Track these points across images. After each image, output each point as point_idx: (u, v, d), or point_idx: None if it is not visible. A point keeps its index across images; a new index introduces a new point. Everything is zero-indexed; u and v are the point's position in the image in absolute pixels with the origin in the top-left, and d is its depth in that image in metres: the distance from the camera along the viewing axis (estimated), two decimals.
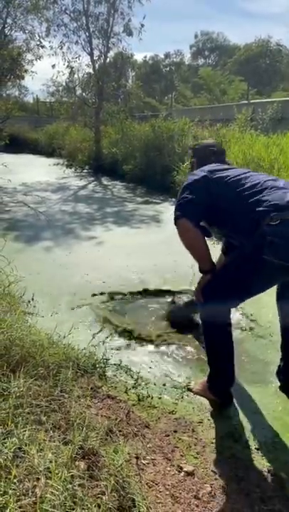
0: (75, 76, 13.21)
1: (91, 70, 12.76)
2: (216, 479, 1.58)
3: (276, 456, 1.72)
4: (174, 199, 7.59)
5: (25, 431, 1.34)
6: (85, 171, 12.00)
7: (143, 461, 1.59)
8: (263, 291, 1.89)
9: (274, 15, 65.08)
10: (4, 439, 1.28)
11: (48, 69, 15.01)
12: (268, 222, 1.65)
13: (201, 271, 2.03)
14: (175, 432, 1.82)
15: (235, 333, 2.47)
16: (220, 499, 1.49)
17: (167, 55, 40.40)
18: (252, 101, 12.62)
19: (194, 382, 2.20)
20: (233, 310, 2.05)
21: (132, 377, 2.22)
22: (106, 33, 12.08)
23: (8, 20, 11.54)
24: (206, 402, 2.05)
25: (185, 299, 3.04)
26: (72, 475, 1.22)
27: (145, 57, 37.42)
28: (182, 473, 1.58)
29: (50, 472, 1.19)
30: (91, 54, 12.29)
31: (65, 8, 12.06)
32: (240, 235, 1.89)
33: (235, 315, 2.95)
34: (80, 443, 1.38)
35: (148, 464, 1.60)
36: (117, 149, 10.68)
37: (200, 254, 1.97)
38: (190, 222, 1.88)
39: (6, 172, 7.52)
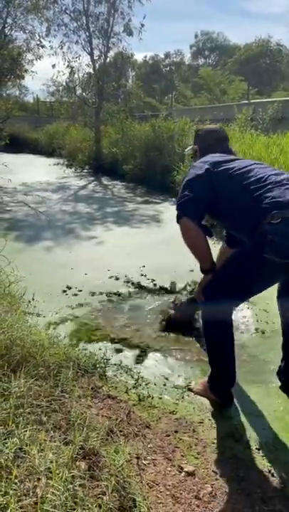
0: (75, 76, 13.23)
1: (91, 70, 12.79)
2: (216, 479, 1.58)
3: (277, 456, 1.72)
4: (174, 199, 7.58)
5: (26, 431, 1.34)
6: (85, 170, 12.00)
7: (144, 462, 1.59)
8: (264, 289, 1.89)
9: (274, 15, 65.07)
10: (5, 439, 1.28)
11: (48, 69, 15.00)
12: (269, 220, 1.63)
13: (202, 270, 2.02)
14: (176, 432, 1.82)
15: (236, 333, 2.47)
16: (221, 499, 1.49)
17: (167, 55, 40.43)
18: (252, 101, 12.62)
19: (195, 382, 2.20)
20: (234, 310, 2.05)
21: (133, 377, 2.22)
22: (106, 32, 12.09)
23: (9, 20, 11.56)
24: (206, 402, 2.05)
25: (186, 299, 3.04)
26: (73, 475, 1.22)
27: (145, 57, 37.47)
28: (183, 474, 1.58)
29: (50, 472, 1.19)
30: (91, 54, 12.32)
31: (65, 7, 12.09)
32: (241, 231, 1.89)
33: (237, 315, 2.94)
34: (81, 443, 1.38)
35: (149, 464, 1.60)
36: (117, 149, 10.68)
37: (201, 253, 1.96)
38: (192, 221, 1.87)
39: (6, 172, 7.51)
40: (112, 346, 2.55)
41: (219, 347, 1.98)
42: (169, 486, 1.51)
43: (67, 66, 12.78)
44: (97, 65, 12.49)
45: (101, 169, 11.27)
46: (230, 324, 1.95)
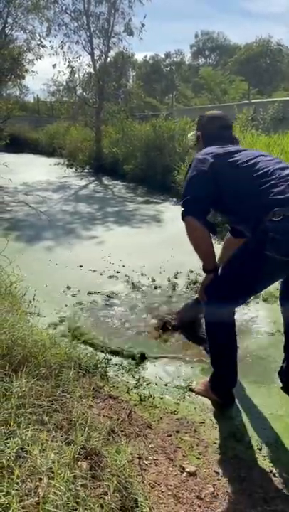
0: (76, 76, 13.22)
1: (92, 70, 12.78)
2: (218, 479, 1.58)
3: (279, 456, 1.72)
4: (174, 199, 7.59)
5: (27, 431, 1.33)
6: (86, 170, 12.00)
7: (145, 462, 1.59)
8: (266, 287, 1.88)
9: (274, 14, 65.06)
10: (7, 439, 1.28)
11: (49, 69, 15.01)
12: (270, 217, 1.62)
13: (204, 270, 2.01)
14: (177, 432, 1.82)
15: (239, 333, 2.47)
16: (222, 499, 1.49)
17: (168, 55, 40.43)
18: (253, 101, 12.61)
19: (196, 382, 2.20)
20: (236, 310, 2.04)
21: (134, 377, 2.22)
22: (107, 32, 12.08)
23: (9, 20, 11.58)
24: (208, 402, 2.04)
25: (190, 300, 3.01)
26: (74, 475, 1.21)
27: (146, 56, 37.46)
28: (184, 474, 1.58)
29: (52, 472, 1.19)
30: (92, 54, 12.31)
31: (65, 7, 12.08)
32: (244, 226, 1.89)
33: (239, 315, 2.94)
34: (83, 443, 1.38)
35: (150, 464, 1.59)
36: (117, 149, 10.67)
37: (205, 253, 1.95)
38: (197, 220, 1.86)
39: (6, 172, 7.50)
40: (113, 346, 2.55)
41: (221, 347, 1.97)
42: (171, 486, 1.51)
43: (68, 66, 12.79)
44: (97, 65, 12.49)
45: (102, 169, 11.26)
46: (232, 324, 1.94)
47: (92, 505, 1.15)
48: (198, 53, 42.32)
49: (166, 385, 2.18)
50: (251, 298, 3.06)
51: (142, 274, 3.78)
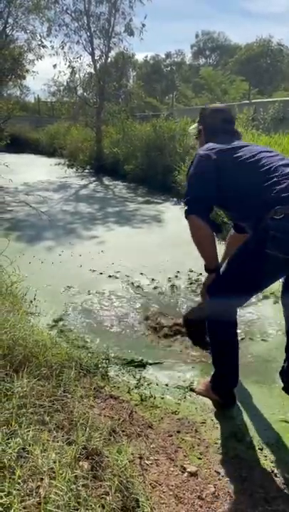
0: (76, 76, 13.24)
1: (92, 70, 12.80)
2: (219, 480, 1.58)
3: (280, 456, 1.71)
4: (175, 199, 7.59)
5: (28, 431, 1.34)
6: (87, 170, 12.00)
7: (146, 462, 1.59)
8: (268, 286, 1.88)
9: (274, 14, 65.08)
10: (8, 439, 1.28)
11: (49, 69, 15.04)
12: (271, 215, 1.62)
13: (206, 269, 2.00)
14: (178, 432, 1.82)
15: (240, 333, 2.47)
16: (223, 500, 1.48)
17: (168, 55, 40.42)
18: (253, 101, 12.62)
19: (197, 382, 2.20)
20: (238, 310, 2.04)
21: (135, 377, 2.22)
22: (107, 32, 12.09)
23: (10, 20, 11.58)
24: (208, 402, 2.04)
25: (194, 304, 2.98)
26: (76, 475, 1.21)
27: (146, 57, 37.45)
28: (186, 474, 1.58)
29: (54, 472, 1.19)
30: (92, 54, 12.31)
31: (66, 7, 12.09)
32: (246, 223, 1.88)
33: (240, 315, 2.94)
34: (84, 443, 1.38)
35: (151, 464, 1.59)
36: (118, 149, 10.68)
37: (207, 252, 1.94)
38: (200, 219, 1.85)
39: (7, 172, 7.52)
40: (114, 346, 2.55)
41: (223, 346, 1.97)
42: (172, 486, 1.51)
43: (69, 66, 12.81)
44: (98, 65, 12.50)
45: (102, 169, 11.27)
46: (234, 323, 1.94)
47: (93, 506, 1.15)
48: (199, 53, 42.34)
49: (167, 385, 2.18)
50: (253, 297, 3.05)
51: (143, 274, 3.78)
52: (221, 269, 1.94)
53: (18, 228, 5.51)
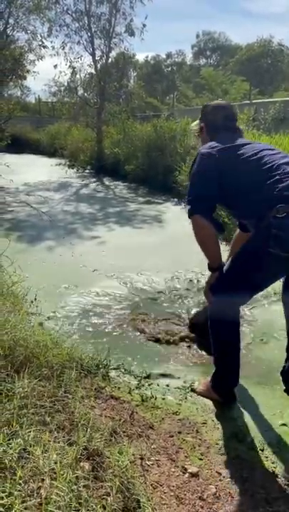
0: (77, 76, 13.26)
1: (93, 70, 12.81)
2: (220, 480, 1.58)
3: (281, 457, 1.71)
4: (176, 199, 7.59)
5: (29, 432, 1.33)
6: (87, 171, 12.01)
7: (147, 462, 1.58)
8: (270, 284, 1.88)
9: (275, 15, 65.14)
10: (9, 439, 1.28)
11: (50, 69, 15.08)
12: (274, 214, 1.61)
13: (209, 268, 2.00)
14: (179, 432, 1.82)
15: (242, 334, 2.46)
16: (225, 500, 1.48)
17: (169, 55, 40.42)
18: (254, 101, 12.62)
19: (198, 382, 2.20)
20: (241, 309, 2.03)
21: (136, 378, 2.22)
22: (108, 33, 12.11)
23: (11, 21, 11.60)
24: (209, 402, 2.04)
25: (199, 307, 2.96)
26: (77, 476, 1.21)
27: (147, 57, 37.46)
28: (187, 475, 1.58)
29: (55, 473, 1.19)
30: (93, 54, 12.33)
31: (67, 8, 12.12)
32: (248, 220, 1.88)
33: (244, 315, 2.94)
34: (85, 444, 1.38)
35: (152, 465, 1.59)
36: (119, 149, 10.68)
37: (211, 251, 1.94)
38: (204, 218, 1.84)
39: (8, 172, 7.53)
40: (115, 347, 2.54)
41: (225, 345, 1.96)
42: (173, 486, 1.51)
43: (69, 66, 12.84)
44: (98, 66, 12.52)
45: (103, 169, 11.27)
46: (237, 322, 1.94)
47: (94, 506, 1.14)
48: (200, 54, 42.36)
49: (167, 385, 2.18)
50: (258, 296, 3.05)
51: (144, 275, 3.78)
52: (224, 268, 1.94)
53: (18, 228, 5.52)
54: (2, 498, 1.07)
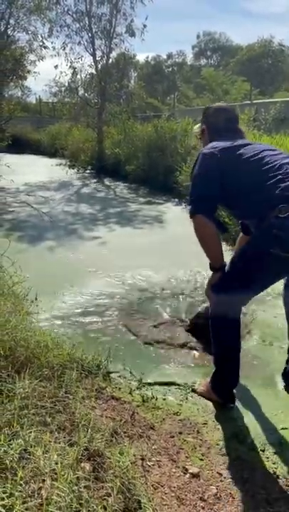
0: (78, 77, 13.24)
1: (93, 71, 12.81)
2: (221, 481, 1.57)
3: (282, 457, 1.71)
4: (176, 199, 7.59)
5: (30, 432, 1.34)
6: (88, 171, 12.02)
7: (148, 463, 1.58)
8: (272, 284, 1.87)
9: (275, 15, 65.18)
10: (10, 440, 1.28)
11: (51, 69, 15.09)
12: (276, 214, 1.61)
13: (211, 268, 2.00)
14: (180, 433, 1.81)
15: (243, 335, 2.46)
16: (225, 501, 1.48)
17: (169, 56, 40.49)
18: (254, 101, 12.61)
19: (198, 383, 2.19)
20: (243, 309, 2.03)
21: (136, 378, 2.22)
22: (108, 33, 12.12)
23: (11, 21, 11.57)
24: (210, 403, 2.04)
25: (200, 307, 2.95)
26: (77, 477, 1.21)
27: (147, 57, 37.50)
28: (187, 475, 1.57)
29: (55, 474, 1.19)
30: (93, 55, 12.34)
31: (67, 8, 12.12)
32: (249, 221, 1.88)
33: (244, 317, 2.94)
34: (86, 444, 1.38)
35: (153, 465, 1.59)
36: (119, 150, 10.69)
37: (213, 251, 1.93)
38: (206, 218, 1.84)
39: (8, 172, 7.54)
40: (116, 347, 2.54)
41: (225, 345, 1.96)
42: (174, 487, 1.50)
43: (70, 67, 12.83)
44: (99, 66, 12.52)
45: (103, 170, 11.28)
46: (237, 323, 1.93)
47: (95, 507, 1.15)
48: (200, 54, 42.39)
49: (168, 386, 2.18)
50: (259, 296, 3.04)
51: (144, 275, 3.78)
52: (226, 268, 1.94)
53: (19, 229, 5.52)
54: (3, 499, 1.08)
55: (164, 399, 2.06)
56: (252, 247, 1.80)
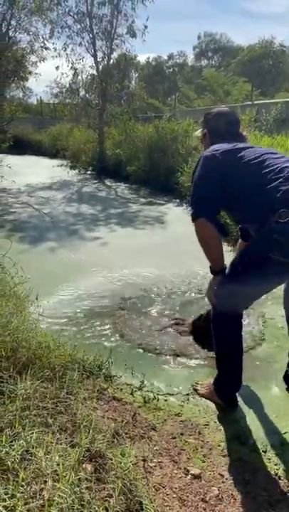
0: (79, 78, 13.25)
1: (94, 72, 12.83)
2: (223, 482, 1.57)
3: (283, 459, 1.71)
4: (177, 200, 7.59)
5: (32, 433, 1.33)
6: (89, 172, 12.02)
7: (150, 464, 1.58)
8: (273, 289, 1.87)
9: (275, 15, 65.16)
10: (12, 441, 1.28)
11: (52, 71, 15.11)
12: (276, 219, 1.61)
13: (212, 271, 1.99)
14: (181, 434, 1.81)
15: (246, 337, 2.46)
16: (227, 502, 1.48)
17: (170, 56, 40.54)
18: (256, 102, 12.62)
19: (200, 384, 2.19)
20: (243, 313, 2.02)
21: (138, 379, 2.22)
22: (109, 34, 12.13)
23: (13, 22, 11.60)
24: (212, 404, 2.04)
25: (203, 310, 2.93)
26: (79, 478, 1.21)
27: (148, 58, 37.53)
28: (189, 476, 1.57)
29: (57, 475, 1.19)
30: (95, 55, 12.35)
31: (68, 9, 12.13)
32: (250, 225, 1.87)
33: (246, 319, 2.93)
34: (87, 445, 1.38)
35: (155, 466, 1.59)
36: (120, 150, 10.69)
37: (214, 254, 1.92)
38: (208, 221, 1.83)
39: (10, 173, 7.55)
40: (117, 348, 2.54)
41: (228, 349, 1.96)
42: (176, 488, 1.50)
43: (71, 68, 12.84)
44: (100, 67, 12.53)
45: (104, 170, 11.28)
46: (239, 326, 1.93)
47: (97, 508, 1.14)
48: (201, 55, 42.42)
49: (170, 386, 2.18)
50: (261, 298, 3.04)
51: (145, 275, 3.78)
52: (226, 271, 1.93)
53: (20, 229, 5.52)
54: (5, 500, 1.07)
55: (166, 400, 2.06)
56: (252, 251, 1.80)
